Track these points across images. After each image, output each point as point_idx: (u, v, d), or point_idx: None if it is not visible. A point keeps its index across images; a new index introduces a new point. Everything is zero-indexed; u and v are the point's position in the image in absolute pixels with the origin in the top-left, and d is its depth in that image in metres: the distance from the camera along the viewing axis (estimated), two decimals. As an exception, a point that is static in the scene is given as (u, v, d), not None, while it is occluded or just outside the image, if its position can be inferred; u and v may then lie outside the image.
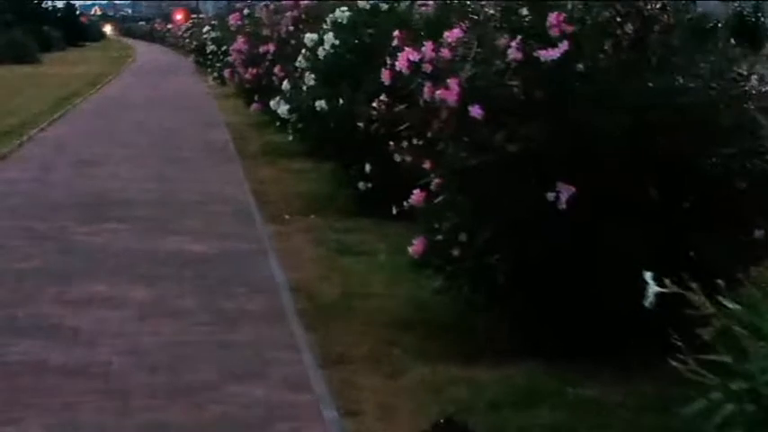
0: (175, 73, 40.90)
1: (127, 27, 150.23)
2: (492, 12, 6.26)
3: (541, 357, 5.72)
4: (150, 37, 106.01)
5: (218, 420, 5.10)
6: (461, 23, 6.07)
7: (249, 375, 5.71)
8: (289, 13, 15.63)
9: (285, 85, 11.76)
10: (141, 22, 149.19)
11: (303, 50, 10.94)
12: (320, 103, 10.15)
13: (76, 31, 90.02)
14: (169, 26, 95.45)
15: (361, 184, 10.00)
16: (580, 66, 5.58)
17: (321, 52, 10.30)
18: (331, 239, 9.16)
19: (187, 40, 50.72)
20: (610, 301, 5.55)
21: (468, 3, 10.99)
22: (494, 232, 5.79)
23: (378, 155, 8.52)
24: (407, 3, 10.73)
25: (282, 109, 11.14)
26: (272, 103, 11.85)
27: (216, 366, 5.85)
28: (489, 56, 5.78)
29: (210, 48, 30.03)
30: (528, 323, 5.92)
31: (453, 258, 5.90)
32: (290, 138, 11.93)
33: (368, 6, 10.44)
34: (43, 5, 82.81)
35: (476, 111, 5.55)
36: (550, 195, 5.50)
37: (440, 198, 6.15)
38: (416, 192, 6.30)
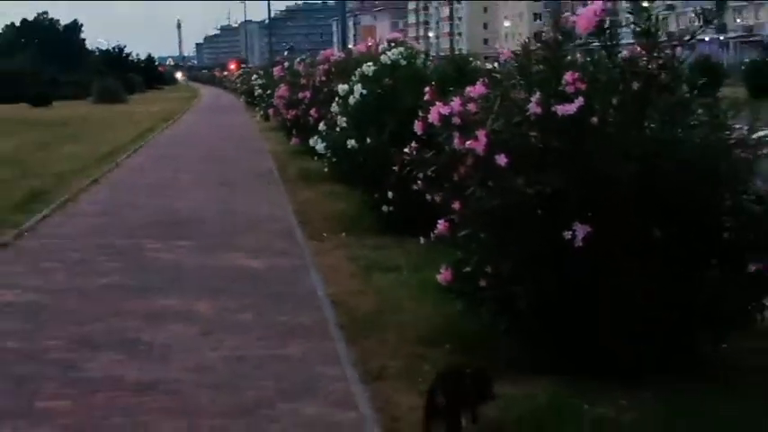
0: (230, 110, 40.11)
1: (193, 74, 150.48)
2: (505, 69, 5.44)
3: (557, 375, 4.87)
4: (211, 81, 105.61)
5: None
6: (483, 80, 5.22)
7: (300, 392, 4.86)
8: (321, 67, 15.12)
9: (321, 126, 10.92)
10: (204, 70, 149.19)
11: (336, 98, 10.09)
12: (351, 142, 9.30)
13: (155, 77, 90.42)
14: (225, 73, 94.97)
15: (384, 208, 9.15)
16: (594, 119, 4.73)
17: (351, 100, 9.44)
18: (362, 256, 8.27)
19: (238, 85, 50.01)
20: (615, 326, 4.76)
21: (471, 59, 10.22)
22: (515, 266, 4.95)
23: (398, 185, 7.76)
24: (422, 59, 9.91)
25: (320, 146, 10.29)
26: (310, 141, 11.01)
27: (271, 382, 5.00)
28: (510, 110, 4.94)
29: (258, 92, 29.37)
30: (545, 345, 5.07)
31: (480, 287, 5.04)
32: (326, 169, 11.08)
33: (389, 62, 9.58)
34: (129, 58, 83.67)
35: (501, 159, 4.70)
36: (567, 234, 4.66)
37: (463, 232, 5.27)
38: (441, 222, 5.40)
